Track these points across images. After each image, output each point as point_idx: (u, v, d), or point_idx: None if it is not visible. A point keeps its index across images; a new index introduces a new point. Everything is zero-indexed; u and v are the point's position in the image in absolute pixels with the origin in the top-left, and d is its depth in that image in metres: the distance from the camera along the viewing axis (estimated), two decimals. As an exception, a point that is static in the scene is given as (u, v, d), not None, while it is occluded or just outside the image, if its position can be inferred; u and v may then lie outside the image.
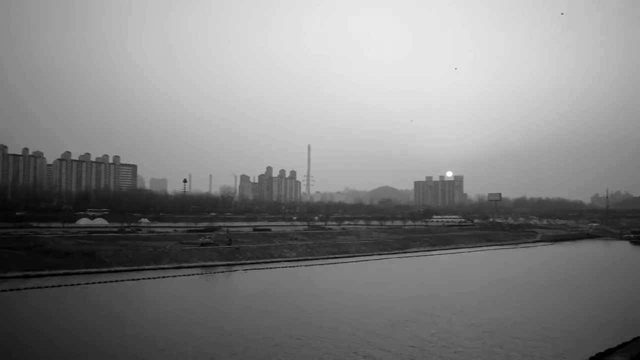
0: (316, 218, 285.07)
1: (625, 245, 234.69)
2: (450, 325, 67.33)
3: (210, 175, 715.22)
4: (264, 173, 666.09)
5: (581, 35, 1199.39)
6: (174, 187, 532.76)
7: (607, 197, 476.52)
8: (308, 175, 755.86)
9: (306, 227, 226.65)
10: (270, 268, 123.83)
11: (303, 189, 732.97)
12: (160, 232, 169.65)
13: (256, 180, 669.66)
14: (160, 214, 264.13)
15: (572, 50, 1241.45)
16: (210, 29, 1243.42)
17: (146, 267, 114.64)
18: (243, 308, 77.33)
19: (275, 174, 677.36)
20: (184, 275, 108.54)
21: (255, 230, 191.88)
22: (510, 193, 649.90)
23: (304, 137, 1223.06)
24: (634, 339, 60.78)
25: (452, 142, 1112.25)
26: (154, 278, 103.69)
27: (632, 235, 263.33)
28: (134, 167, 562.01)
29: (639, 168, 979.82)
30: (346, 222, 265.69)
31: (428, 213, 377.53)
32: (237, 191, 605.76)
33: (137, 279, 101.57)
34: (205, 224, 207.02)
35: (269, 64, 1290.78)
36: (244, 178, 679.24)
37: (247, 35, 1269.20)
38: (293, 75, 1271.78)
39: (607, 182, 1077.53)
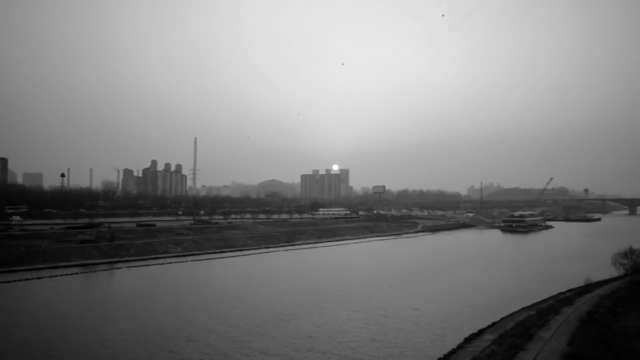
0: (202, 212, 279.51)
1: (496, 233, 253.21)
2: (335, 317, 69.05)
3: (91, 169, 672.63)
4: (148, 167, 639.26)
5: (461, 37, 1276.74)
6: (50, 182, 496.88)
7: (481, 189, 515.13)
8: (194, 169, 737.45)
9: (192, 221, 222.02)
10: (155, 264, 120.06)
11: (189, 183, 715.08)
12: (35, 230, 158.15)
13: (140, 174, 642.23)
14: (35, 210, 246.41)
15: (453, 50, 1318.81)
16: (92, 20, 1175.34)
17: (18, 267, 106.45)
18: (122, 309, 74.43)
19: (160, 167, 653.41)
20: (61, 275, 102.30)
21: (139, 225, 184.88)
22: (394, 186, 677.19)
23: (191, 130, 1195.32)
24: (502, 319, 66.15)
25: (339, 136, 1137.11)
26: (27, 279, 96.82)
27: (502, 224, 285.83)
28: (3, 161, 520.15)
29: (509, 162, 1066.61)
30: (233, 216, 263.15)
31: (314, 206, 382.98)
32: (120, 186, 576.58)
33: (8, 282, 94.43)
34: (85, 220, 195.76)
35: (153, 55, 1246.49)
36: (127, 172, 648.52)
37: (129, 25, 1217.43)
38: (178, 67, 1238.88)
39: (482, 175, 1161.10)
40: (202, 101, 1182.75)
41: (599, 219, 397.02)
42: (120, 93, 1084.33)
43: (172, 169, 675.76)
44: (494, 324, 64.08)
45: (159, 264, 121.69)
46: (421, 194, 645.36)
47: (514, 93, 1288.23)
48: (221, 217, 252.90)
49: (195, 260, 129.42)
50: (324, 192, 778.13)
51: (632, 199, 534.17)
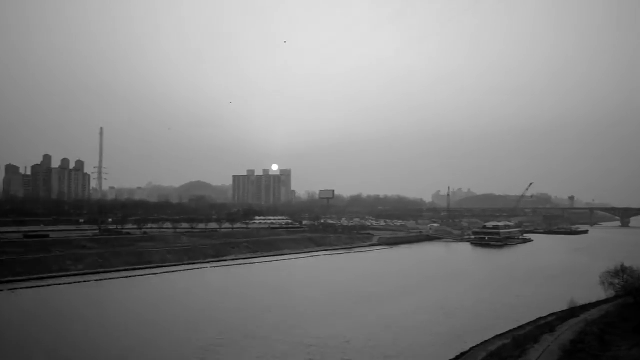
0: (110, 220, 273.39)
1: (465, 247, 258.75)
2: (270, 349, 68.51)
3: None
4: (39, 163, 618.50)
5: (410, 25, 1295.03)
6: None
7: (448, 194, 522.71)
8: (100, 167, 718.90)
9: (97, 232, 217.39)
10: (48, 285, 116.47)
11: (93, 183, 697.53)
12: None
13: (29, 172, 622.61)
14: None
15: (423, 28, 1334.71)
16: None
17: None
18: None
19: (55, 164, 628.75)
20: None
21: (27, 237, 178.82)
22: (345, 190, 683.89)
23: (96, 119, 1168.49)
24: (471, 349, 67.36)
25: (279, 131, 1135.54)
26: None
27: (473, 237, 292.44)
28: None
29: (482, 165, 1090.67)
30: (149, 225, 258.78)
31: (249, 213, 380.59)
32: (1, 186, 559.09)
33: None
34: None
35: (47, 35, 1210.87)
36: (12, 169, 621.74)
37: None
38: (80, 40, 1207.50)
39: (450, 179, 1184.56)
40: (111, 84, 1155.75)
41: (586, 231, 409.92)
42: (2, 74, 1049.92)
43: (71, 166, 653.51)
44: (462, 354, 65.20)
45: (54, 284, 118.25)
46: (377, 201, 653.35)
47: (490, 84, 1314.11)
48: (134, 226, 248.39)
49: (101, 280, 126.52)
50: (261, 196, 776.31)
51: (626, 209, 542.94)
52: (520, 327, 79.13)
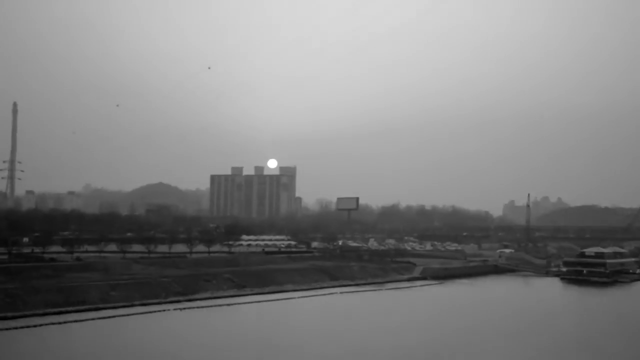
0: (26, 240, 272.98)
1: (553, 286, 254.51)
2: None
3: None
4: None
5: None
6: None
7: (528, 206, 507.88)
8: (12, 161, 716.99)
9: (5, 257, 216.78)
10: None
11: (1, 185, 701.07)
12: None
13: None
14: None
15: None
16: None
17: None
18: None
19: None
20: None
21: None
22: (374, 199, 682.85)
23: (6, 94, 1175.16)
24: None
25: (279, 114, 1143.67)
26: None
27: (563, 269, 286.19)
28: None
29: (579, 164, 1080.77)
30: (85, 247, 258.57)
31: (233, 231, 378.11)
32: None
33: None
34: None
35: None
36: None
37: None
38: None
39: (531, 184, 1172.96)
40: (27, 40, 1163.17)
41: None
42: None
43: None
44: None
45: None
46: (421, 214, 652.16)
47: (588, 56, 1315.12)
48: (62, 249, 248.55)
49: (7, 329, 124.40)
50: (252, 206, 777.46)
51: None
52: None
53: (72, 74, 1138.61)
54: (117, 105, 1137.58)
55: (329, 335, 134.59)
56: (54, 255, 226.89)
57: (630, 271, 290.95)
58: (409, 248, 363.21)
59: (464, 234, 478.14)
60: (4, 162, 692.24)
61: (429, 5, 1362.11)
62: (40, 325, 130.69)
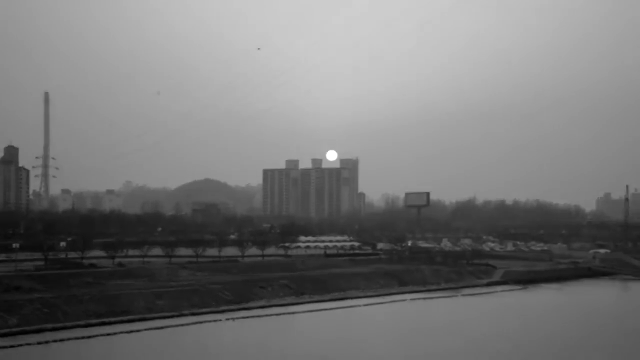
0: (63, 244, 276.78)
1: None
2: None
3: None
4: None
5: None
6: None
7: (626, 199, 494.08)
8: (45, 157, 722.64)
9: (42, 263, 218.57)
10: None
11: (35, 184, 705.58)
12: None
13: None
14: None
15: None
16: None
17: None
18: None
19: None
20: None
21: None
22: (446, 193, 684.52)
23: (35, 81, 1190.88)
24: None
25: (339, 99, 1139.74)
26: None
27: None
28: None
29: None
30: (127, 252, 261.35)
31: (290, 232, 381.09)
32: None
33: None
34: None
35: None
36: None
37: None
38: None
39: (629, 175, 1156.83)
40: (55, 31, 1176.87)
41: None
42: None
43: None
44: None
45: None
46: (501, 210, 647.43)
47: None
48: (102, 253, 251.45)
49: (48, 342, 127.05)
50: (310, 203, 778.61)
51: None
52: None
53: (107, 62, 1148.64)
54: (158, 93, 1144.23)
55: (402, 350, 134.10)
56: (94, 261, 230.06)
57: None
58: (487, 249, 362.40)
59: (551, 232, 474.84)
60: (37, 158, 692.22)
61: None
62: (83, 337, 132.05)
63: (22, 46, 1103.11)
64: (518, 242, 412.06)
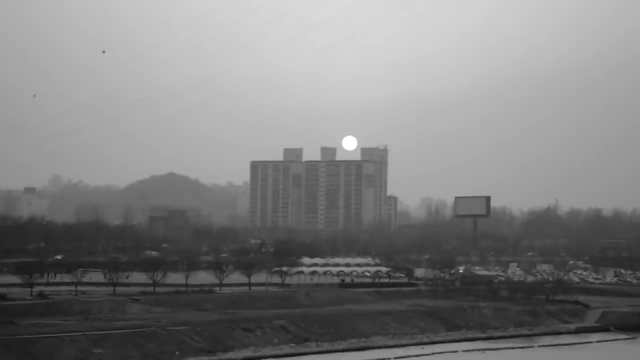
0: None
1: None
2: None
3: None
4: None
5: None
6: None
7: None
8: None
9: None
10: None
11: None
12: None
13: None
14: None
15: None
16: None
17: None
18: None
19: None
20: None
21: None
22: (515, 199, 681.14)
23: None
24: None
25: (361, 70, 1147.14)
26: None
27: None
28: None
29: None
30: (52, 278, 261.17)
31: (289, 250, 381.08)
32: None
33: None
34: None
35: None
36: None
37: None
38: None
39: None
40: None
41: None
42: None
43: None
44: None
45: None
46: (596, 222, 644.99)
47: None
48: (17, 278, 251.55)
49: None
50: (318, 210, 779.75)
51: None
52: None
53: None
54: (103, 52, 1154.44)
55: None
56: (3, 290, 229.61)
57: None
58: (576, 279, 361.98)
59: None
60: None
61: None
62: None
63: None
64: (622, 271, 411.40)
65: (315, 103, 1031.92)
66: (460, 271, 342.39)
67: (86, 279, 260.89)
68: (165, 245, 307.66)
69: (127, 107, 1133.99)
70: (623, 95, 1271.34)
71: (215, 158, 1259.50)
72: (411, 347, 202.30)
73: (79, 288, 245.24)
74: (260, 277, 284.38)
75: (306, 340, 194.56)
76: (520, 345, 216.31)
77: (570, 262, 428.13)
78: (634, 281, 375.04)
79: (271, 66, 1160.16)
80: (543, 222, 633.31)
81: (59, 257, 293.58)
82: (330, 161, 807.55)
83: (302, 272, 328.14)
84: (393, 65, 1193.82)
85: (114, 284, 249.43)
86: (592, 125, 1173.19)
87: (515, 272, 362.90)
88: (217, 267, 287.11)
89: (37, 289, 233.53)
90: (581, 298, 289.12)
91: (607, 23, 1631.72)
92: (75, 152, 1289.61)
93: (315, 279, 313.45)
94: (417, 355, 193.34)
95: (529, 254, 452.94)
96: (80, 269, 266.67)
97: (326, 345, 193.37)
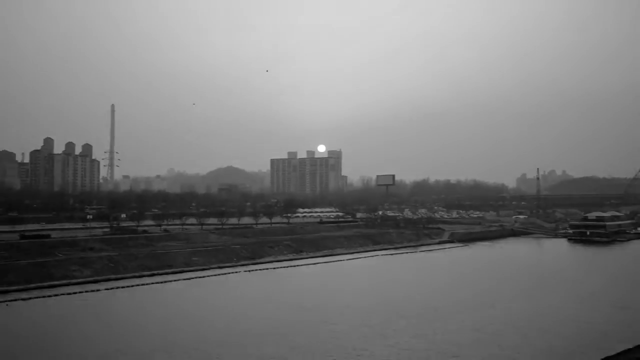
0: (124, 216, 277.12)
1: (561, 245, 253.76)
2: None
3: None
4: (39, 148, 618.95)
5: None
6: None
7: (538, 178, 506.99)
8: (111, 152, 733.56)
9: (108, 230, 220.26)
10: (50, 296, 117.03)
11: (104, 172, 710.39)
12: None
13: (27, 160, 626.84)
14: None
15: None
16: None
17: None
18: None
19: (58, 149, 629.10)
20: None
21: (23, 237, 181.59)
22: (408, 175, 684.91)
23: (105, 96, 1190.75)
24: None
25: (327, 105, 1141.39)
26: None
27: (570, 231, 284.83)
28: None
29: (581, 140, 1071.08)
30: (171, 221, 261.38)
31: (291, 205, 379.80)
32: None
33: None
34: None
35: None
36: (7, 156, 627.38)
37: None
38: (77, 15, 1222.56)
39: (540, 159, 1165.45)
40: (120, 56, 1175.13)
41: None
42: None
43: (77, 151, 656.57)
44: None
45: (56, 294, 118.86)
46: (448, 187, 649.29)
47: (587, 39, 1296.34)
48: (153, 222, 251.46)
49: (111, 289, 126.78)
50: (305, 184, 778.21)
51: None
52: (637, 347, 76.18)
53: (160, 74, 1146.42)
54: (194, 104, 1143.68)
55: (371, 288, 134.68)
56: (146, 228, 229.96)
57: (627, 231, 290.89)
58: (438, 216, 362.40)
59: (484, 203, 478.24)
60: (105, 152, 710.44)
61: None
62: (138, 285, 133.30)
63: (89, 61, 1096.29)
64: (460, 211, 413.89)
65: (304, 124, 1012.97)
66: (380, 214, 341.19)
67: (189, 221, 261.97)
68: (222, 208, 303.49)
69: (206, 129, 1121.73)
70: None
71: (252, 156, 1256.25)
72: (355, 253, 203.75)
73: (184, 227, 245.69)
74: (276, 219, 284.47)
75: (301, 251, 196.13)
76: (411, 251, 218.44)
77: (435, 207, 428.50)
78: (466, 216, 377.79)
79: (279, 103, 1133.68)
80: (421, 187, 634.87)
81: (173, 212, 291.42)
82: (311, 158, 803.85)
83: (297, 216, 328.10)
84: (351, 94, 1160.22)
85: (201, 224, 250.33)
86: (447, 130, 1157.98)
87: (407, 213, 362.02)
88: (254, 214, 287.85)
89: (163, 227, 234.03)
90: (440, 226, 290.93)
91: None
92: (180, 154, 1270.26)
93: (305, 220, 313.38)
94: (358, 258, 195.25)
95: (413, 204, 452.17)
96: (184, 217, 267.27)
97: (312, 254, 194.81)
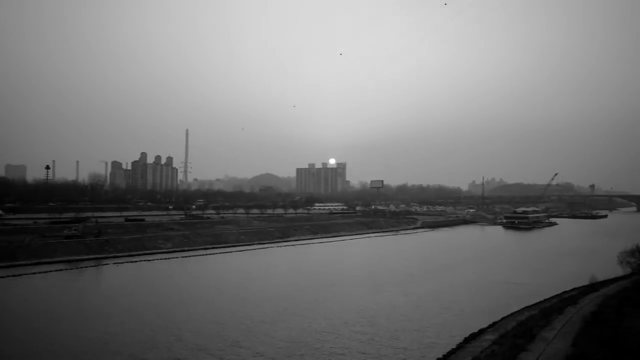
0: (194, 207, 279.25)
1: (498, 230, 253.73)
2: (325, 320, 68.47)
3: (77, 162, 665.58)
4: (137, 159, 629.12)
5: (466, 23, 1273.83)
6: (34, 174, 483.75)
7: (482, 184, 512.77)
8: (186, 162, 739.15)
9: (183, 216, 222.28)
10: (144, 261, 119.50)
11: (180, 176, 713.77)
12: (18, 225, 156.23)
13: (129, 167, 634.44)
14: (18, 204, 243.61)
15: (454, 40, 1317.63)
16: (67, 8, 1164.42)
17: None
18: (105, 306, 74.35)
19: (150, 160, 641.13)
20: (45, 272, 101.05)
21: (127, 220, 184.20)
22: (393, 180, 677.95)
23: (182, 122, 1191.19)
24: (502, 319, 66.09)
25: (336, 129, 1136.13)
26: (6, 277, 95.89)
27: (504, 220, 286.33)
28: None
29: (512, 157, 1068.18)
30: (225, 211, 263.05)
31: (310, 201, 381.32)
32: (108, 179, 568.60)
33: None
34: (71, 214, 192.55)
35: (141, 47, 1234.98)
36: (116, 165, 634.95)
37: (116, 20, 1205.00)
38: (168, 59, 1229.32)
39: (484, 170, 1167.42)
40: (194, 91, 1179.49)
41: (605, 216, 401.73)
42: (109, 83, 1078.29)
43: (163, 161, 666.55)
44: (494, 323, 63.99)
45: (147, 260, 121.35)
46: (421, 189, 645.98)
47: (514, 85, 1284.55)
48: (213, 211, 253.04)
49: (186, 257, 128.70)
50: (320, 186, 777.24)
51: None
52: (546, 300, 77.58)
53: (219, 105, 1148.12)
54: (242, 129, 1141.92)
55: (367, 256, 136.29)
56: (209, 215, 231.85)
57: (542, 221, 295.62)
58: (413, 210, 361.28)
59: (445, 200, 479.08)
60: (181, 163, 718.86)
61: (444, 18, 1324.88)
62: (204, 255, 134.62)
63: (169, 89, 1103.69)
64: (429, 206, 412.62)
65: (320, 141, 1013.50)
66: (373, 207, 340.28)
67: (239, 211, 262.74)
68: (262, 203, 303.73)
69: (252, 148, 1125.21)
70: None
71: (283, 165, 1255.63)
72: (355, 235, 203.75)
73: (235, 215, 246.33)
74: (300, 210, 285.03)
75: (316, 233, 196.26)
76: (394, 234, 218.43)
77: (411, 203, 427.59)
78: (433, 210, 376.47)
79: (303, 121, 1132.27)
80: (402, 189, 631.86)
81: (227, 204, 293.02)
82: (325, 167, 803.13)
83: (315, 208, 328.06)
84: (354, 124, 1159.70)
85: (247, 213, 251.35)
86: (424, 145, 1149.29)
87: (392, 207, 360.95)
88: (284, 207, 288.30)
89: (220, 215, 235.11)
90: (415, 217, 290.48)
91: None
92: (233, 163, 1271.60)
93: (320, 211, 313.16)
94: (357, 238, 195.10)
95: (396, 201, 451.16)
96: (235, 208, 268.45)
97: (324, 235, 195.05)
